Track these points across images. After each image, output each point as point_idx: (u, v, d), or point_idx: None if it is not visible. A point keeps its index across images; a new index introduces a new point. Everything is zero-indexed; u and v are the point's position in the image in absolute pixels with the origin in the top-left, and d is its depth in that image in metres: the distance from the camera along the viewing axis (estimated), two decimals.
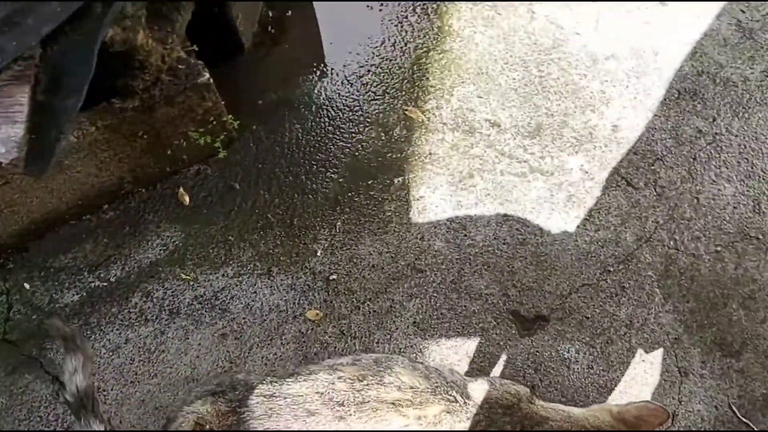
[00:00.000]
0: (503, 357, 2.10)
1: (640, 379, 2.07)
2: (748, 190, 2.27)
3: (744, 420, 2.03)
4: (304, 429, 1.36)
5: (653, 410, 1.50)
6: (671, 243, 2.21)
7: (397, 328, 2.13)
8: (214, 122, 2.24)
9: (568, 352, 2.11)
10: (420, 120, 2.37)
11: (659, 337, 2.12)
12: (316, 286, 2.19)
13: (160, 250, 2.24)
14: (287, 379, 1.44)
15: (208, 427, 1.37)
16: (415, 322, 2.14)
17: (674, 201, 2.26)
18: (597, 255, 2.20)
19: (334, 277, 2.20)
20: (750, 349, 2.10)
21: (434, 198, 2.27)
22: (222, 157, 2.34)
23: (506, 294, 2.17)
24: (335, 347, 2.11)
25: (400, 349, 2.10)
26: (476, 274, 2.19)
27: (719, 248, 2.20)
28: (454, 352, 2.10)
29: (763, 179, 2.28)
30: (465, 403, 1.46)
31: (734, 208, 2.25)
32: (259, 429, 1.37)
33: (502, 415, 1.50)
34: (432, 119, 2.38)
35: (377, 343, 2.11)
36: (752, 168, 2.30)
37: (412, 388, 1.44)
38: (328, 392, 1.40)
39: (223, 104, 2.24)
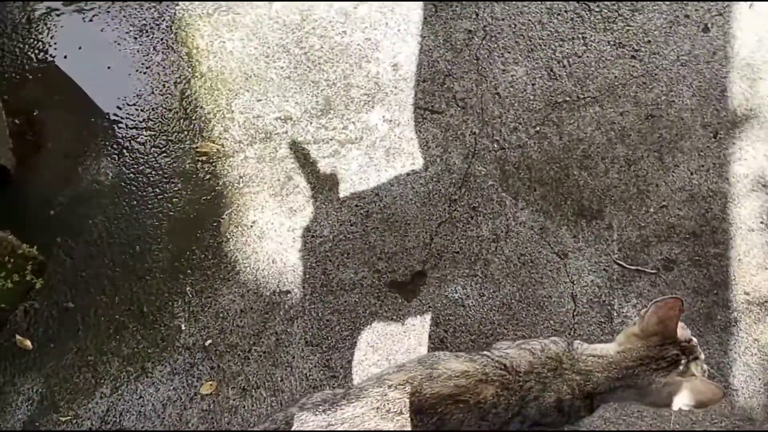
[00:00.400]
0: (402, 329, 2.05)
1: (529, 281, 2.07)
2: (537, 63, 2.28)
3: (633, 268, 2.07)
4: None
5: (665, 305, 1.41)
6: (495, 145, 2.20)
7: (293, 357, 2.05)
8: (11, 260, 2.04)
9: (456, 293, 2.08)
10: (215, 150, 2.25)
11: (527, 235, 2.12)
12: (197, 359, 2.06)
13: (28, 405, 2.05)
14: (340, 404, 1.37)
15: None
16: (307, 342, 2.06)
17: (479, 106, 2.25)
18: (438, 191, 2.17)
19: (210, 341, 2.08)
20: (608, 203, 2.14)
21: (266, 217, 2.17)
22: (40, 286, 2.15)
23: (377, 270, 2.11)
24: (244, 406, 2.00)
25: (305, 374, 2.02)
26: (341, 266, 2.12)
27: (537, 128, 2.21)
28: (356, 350, 2.03)
29: (544, 46, 2.30)
30: (516, 373, 1.39)
31: (533, 85, 2.26)
32: None
33: (552, 378, 1.43)
34: (226, 144, 2.26)
35: (281, 380, 2.01)
36: (530, 41, 2.31)
37: (464, 372, 1.38)
38: (384, 405, 1.34)
39: (11, 237, 2.05)
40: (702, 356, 1.44)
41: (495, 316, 2.06)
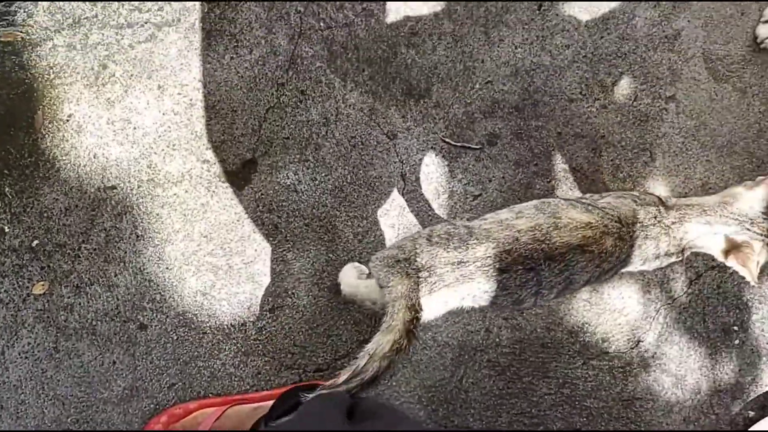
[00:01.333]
0: (235, 218, 2.05)
1: (360, 162, 2.10)
2: None
3: (459, 145, 2.12)
4: (497, 285, 1.43)
5: None
6: (322, 24, 2.13)
7: (125, 252, 2.03)
8: None
9: (288, 179, 2.09)
10: (19, 39, 2.08)
11: (356, 117, 2.12)
12: (26, 261, 2.02)
13: None
14: (470, 243, 1.45)
15: (417, 306, 1.41)
16: (138, 237, 2.04)
17: None
18: (264, 75, 2.11)
19: (37, 241, 2.03)
20: (435, 81, 2.14)
21: (82, 110, 2.06)
22: None
23: (205, 161, 2.07)
24: (80, 303, 2.00)
25: (139, 267, 2.02)
26: (167, 158, 2.07)
27: (364, 4, 2.15)
28: (190, 241, 2.03)
29: None
30: (628, 225, 1.55)
31: None
32: (453, 296, 1.45)
33: (653, 226, 1.61)
34: (31, 31, 2.09)
35: (115, 275, 2.01)
36: None
37: (588, 224, 1.50)
38: (515, 249, 1.44)
39: None
40: None
41: (327, 200, 2.09)
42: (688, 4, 2.17)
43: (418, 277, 1.49)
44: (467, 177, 2.11)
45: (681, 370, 2.10)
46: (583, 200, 1.69)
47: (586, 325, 2.10)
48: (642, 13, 2.18)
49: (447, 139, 2.13)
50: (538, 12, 2.17)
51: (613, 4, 2.18)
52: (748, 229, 1.58)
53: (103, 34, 2.09)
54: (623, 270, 1.69)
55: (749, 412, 2.09)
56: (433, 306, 1.53)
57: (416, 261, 1.51)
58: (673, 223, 1.65)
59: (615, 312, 2.10)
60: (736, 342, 2.11)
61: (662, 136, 2.16)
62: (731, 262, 1.59)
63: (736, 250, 1.57)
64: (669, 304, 2.10)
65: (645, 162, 2.15)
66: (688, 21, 2.18)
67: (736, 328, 2.12)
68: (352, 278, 1.92)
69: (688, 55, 2.18)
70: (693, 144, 2.15)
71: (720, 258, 1.63)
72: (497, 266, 1.49)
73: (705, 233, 1.63)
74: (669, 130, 2.16)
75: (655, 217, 1.65)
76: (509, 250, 1.50)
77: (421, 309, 1.48)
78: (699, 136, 2.15)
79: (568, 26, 2.17)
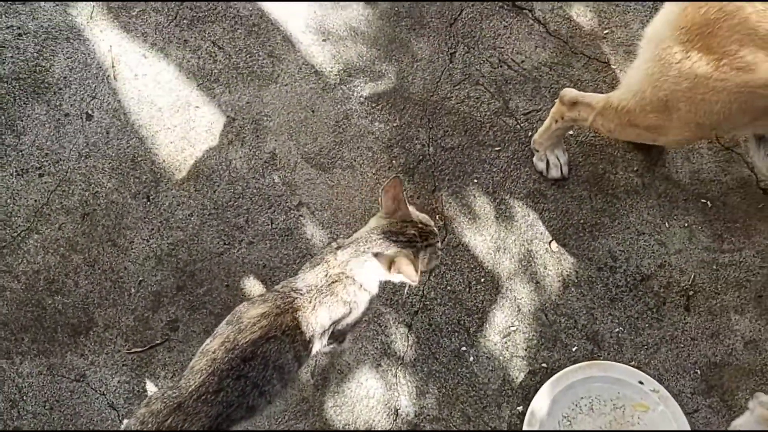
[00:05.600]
0: None
1: (65, 418, 2.22)
2: None
3: (146, 348, 2.31)
4: (222, 407, 1.70)
5: (391, 185, 1.85)
6: None
7: None
8: None
9: None
10: None
11: (39, 382, 2.25)
12: None
13: None
14: (180, 385, 1.72)
15: None
16: None
17: None
18: None
19: None
20: (93, 309, 2.37)
21: None
22: None
23: None
24: None
25: None
26: None
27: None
28: None
29: None
30: (300, 293, 1.82)
31: None
32: None
33: (330, 284, 1.89)
34: None
35: None
36: None
37: (262, 314, 1.76)
38: (217, 368, 1.71)
39: None
40: (439, 246, 1.91)
41: None
42: (267, 128, 2.61)
43: None
44: (168, 369, 2.31)
45: (444, 412, 2.36)
46: (275, 290, 1.95)
47: (348, 426, 2.31)
48: (234, 154, 2.58)
49: (133, 350, 2.34)
50: (149, 203, 2.50)
51: (210, 162, 2.56)
52: (394, 241, 1.89)
53: None
54: (345, 322, 1.97)
55: (517, 408, 2.38)
56: None
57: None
58: (340, 273, 1.92)
59: (363, 399, 2.34)
60: (471, 359, 2.42)
61: (303, 239, 2.52)
62: (394, 275, 1.88)
63: (393, 264, 1.91)
64: (401, 363, 2.38)
65: None
66: (275, 140, 2.61)
67: (464, 348, 2.43)
68: None
69: (291, 165, 2.59)
70: (339, 229, 2.53)
71: (389, 276, 1.91)
72: (211, 390, 1.74)
73: (362, 263, 1.92)
74: (314, 230, 2.52)
75: (326, 275, 1.93)
76: (212, 371, 1.75)
77: None
78: (339, 219, 2.53)
79: (181, 199, 2.51)
